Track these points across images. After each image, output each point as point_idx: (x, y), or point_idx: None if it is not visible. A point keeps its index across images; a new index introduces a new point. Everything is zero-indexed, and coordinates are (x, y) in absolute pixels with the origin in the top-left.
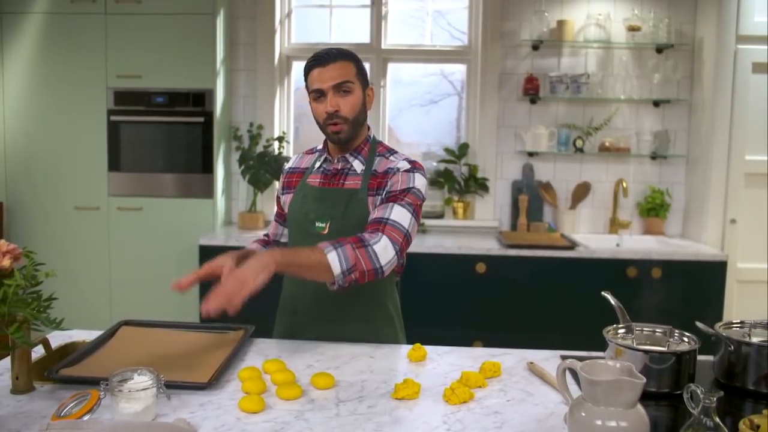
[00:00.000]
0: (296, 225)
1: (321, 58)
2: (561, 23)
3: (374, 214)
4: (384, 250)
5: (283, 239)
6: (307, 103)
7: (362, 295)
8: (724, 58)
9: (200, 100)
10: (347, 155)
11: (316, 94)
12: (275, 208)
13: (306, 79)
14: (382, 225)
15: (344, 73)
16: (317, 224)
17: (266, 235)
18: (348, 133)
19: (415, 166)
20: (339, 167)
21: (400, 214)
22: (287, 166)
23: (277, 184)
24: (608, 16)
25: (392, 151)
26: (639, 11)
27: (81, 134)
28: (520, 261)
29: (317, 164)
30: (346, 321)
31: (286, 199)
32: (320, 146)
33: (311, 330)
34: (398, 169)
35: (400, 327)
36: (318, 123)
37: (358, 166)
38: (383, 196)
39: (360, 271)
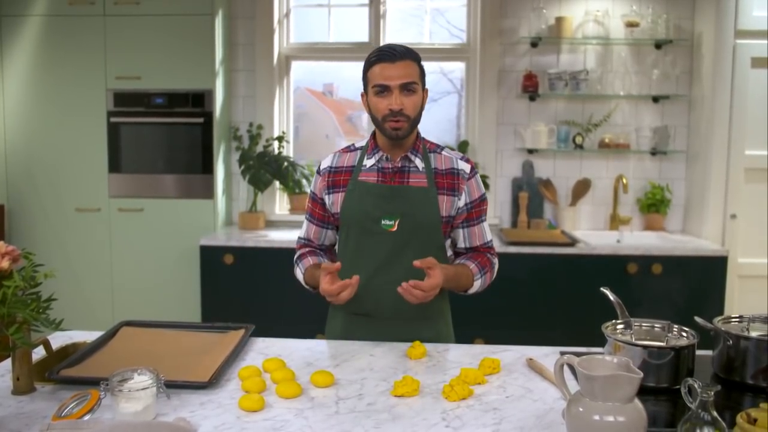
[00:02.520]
0: (355, 223)
1: (390, 54)
2: (559, 20)
3: (478, 240)
4: (496, 269)
5: (327, 242)
6: (306, 102)
7: None
8: (722, 53)
9: (200, 100)
10: (409, 154)
11: (380, 89)
12: (309, 210)
13: (366, 73)
14: (491, 249)
15: (411, 73)
16: (384, 222)
17: (304, 239)
18: (407, 131)
19: (472, 167)
20: (399, 165)
21: (488, 230)
22: (324, 165)
23: (277, 184)
24: (606, 13)
25: (439, 146)
26: (637, 7)
27: (81, 136)
28: (520, 258)
29: (369, 162)
30: (408, 318)
31: (336, 198)
32: (359, 144)
33: (369, 329)
34: (465, 173)
35: (451, 323)
36: (374, 118)
37: (419, 163)
38: (468, 206)
39: (483, 290)
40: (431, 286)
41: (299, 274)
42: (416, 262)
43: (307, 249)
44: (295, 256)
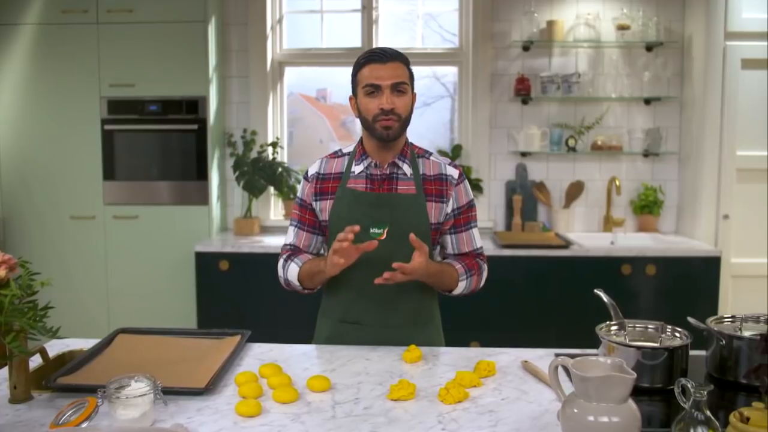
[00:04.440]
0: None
1: (380, 56)
2: (551, 23)
3: (466, 246)
4: (485, 275)
5: (315, 250)
6: (300, 108)
7: (413, 300)
8: (713, 54)
9: (194, 107)
10: (396, 160)
11: (371, 89)
12: (297, 217)
13: (356, 75)
14: (481, 255)
15: (401, 74)
16: (373, 230)
17: (290, 245)
18: (397, 132)
19: (460, 172)
20: (388, 172)
21: (478, 237)
22: (312, 171)
23: (272, 190)
24: (597, 16)
25: (427, 151)
26: (628, 10)
27: (75, 144)
28: (515, 261)
29: (357, 169)
30: (398, 326)
31: (324, 205)
32: (346, 149)
33: (358, 337)
34: (453, 178)
35: (441, 328)
36: (364, 119)
37: (407, 169)
38: (455, 212)
39: (469, 292)
40: (414, 267)
41: (293, 268)
42: (413, 238)
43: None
44: (283, 258)
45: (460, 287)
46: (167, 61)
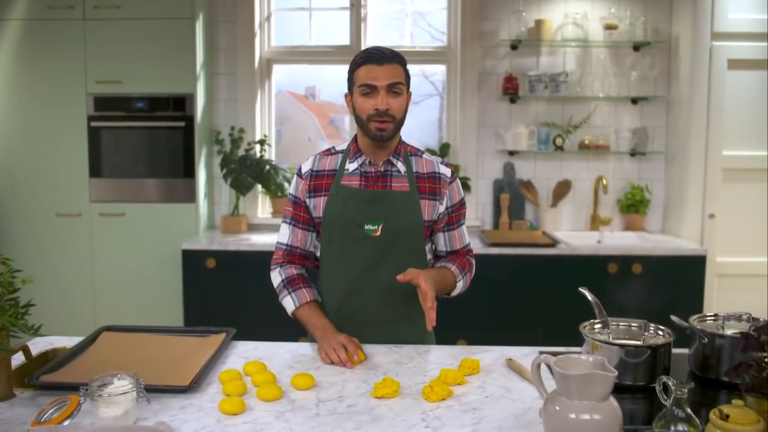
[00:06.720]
0: (338, 228)
1: (377, 56)
2: (539, 23)
3: (458, 244)
4: (473, 271)
5: (311, 247)
6: (288, 106)
7: (408, 297)
8: (700, 54)
9: (181, 104)
10: (391, 158)
11: (366, 89)
12: (291, 214)
13: (352, 74)
14: (470, 252)
15: (397, 75)
16: (367, 227)
17: (286, 245)
18: (391, 132)
19: (452, 171)
20: (382, 170)
21: (467, 234)
22: (306, 168)
23: (259, 188)
24: (585, 15)
25: (419, 150)
26: (615, 10)
27: (61, 141)
28: (502, 259)
29: (351, 166)
30: (391, 322)
31: (317, 202)
32: (340, 147)
33: (352, 333)
34: (446, 177)
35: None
36: (359, 118)
37: (401, 167)
38: (449, 210)
39: (463, 291)
40: (427, 295)
41: (289, 303)
42: (399, 277)
43: (297, 271)
44: (284, 277)
45: (458, 287)
46: (154, 58)
